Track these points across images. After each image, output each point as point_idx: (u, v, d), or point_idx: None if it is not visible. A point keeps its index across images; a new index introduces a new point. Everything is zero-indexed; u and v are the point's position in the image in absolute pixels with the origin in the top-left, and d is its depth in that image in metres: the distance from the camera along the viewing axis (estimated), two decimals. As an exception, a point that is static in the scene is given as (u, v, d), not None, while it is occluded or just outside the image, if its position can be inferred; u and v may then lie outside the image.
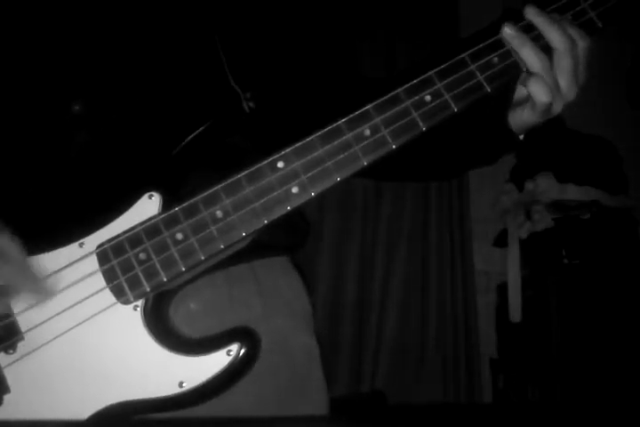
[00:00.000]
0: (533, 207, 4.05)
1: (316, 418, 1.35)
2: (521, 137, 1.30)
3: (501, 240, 4.30)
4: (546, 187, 4.00)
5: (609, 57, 3.99)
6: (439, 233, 4.41)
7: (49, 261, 1.15)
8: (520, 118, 1.25)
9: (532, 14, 1.17)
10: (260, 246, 1.33)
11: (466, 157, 1.43)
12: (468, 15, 4.39)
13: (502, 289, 4.21)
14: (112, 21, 1.33)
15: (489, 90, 1.17)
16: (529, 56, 1.17)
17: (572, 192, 3.97)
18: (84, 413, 1.10)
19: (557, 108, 1.21)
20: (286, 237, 1.43)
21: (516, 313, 4.04)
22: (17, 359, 1.13)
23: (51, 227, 1.18)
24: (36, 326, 1.13)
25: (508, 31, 1.17)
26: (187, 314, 1.26)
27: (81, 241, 1.16)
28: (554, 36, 1.16)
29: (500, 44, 1.18)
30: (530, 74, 1.18)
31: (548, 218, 4.00)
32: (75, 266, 1.15)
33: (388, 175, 1.59)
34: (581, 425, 3.02)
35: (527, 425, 3.19)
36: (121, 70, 1.31)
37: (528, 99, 1.22)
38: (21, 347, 1.13)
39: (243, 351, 1.10)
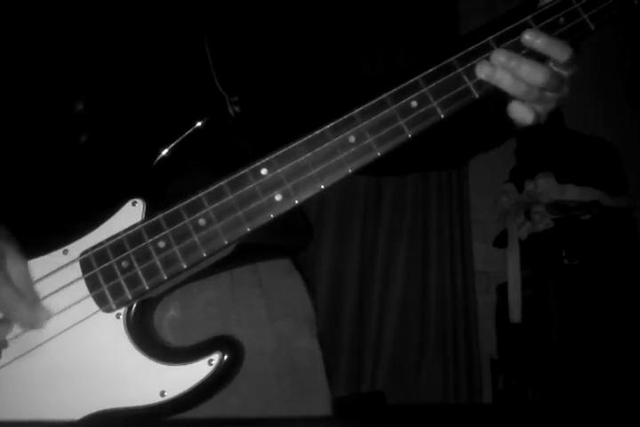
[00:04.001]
0: (533, 208, 4.05)
1: (317, 418, 1.35)
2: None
3: (501, 241, 4.30)
4: (546, 187, 4.00)
5: (609, 57, 3.99)
6: (439, 233, 4.41)
7: (35, 267, 1.14)
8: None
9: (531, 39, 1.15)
10: (264, 248, 1.34)
11: (464, 144, 1.41)
12: (467, 15, 4.38)
13: (502, 289, 4.21)
14: (108, 23, 1.33)
15: (477, 95, 1.15)
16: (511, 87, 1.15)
17: (572, 192, 3.96)
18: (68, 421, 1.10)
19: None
20: (289, 240, 1.42)
21: (515, 313, 4.03)
22: (0, 367, 1.13)
23: (38, 232, 1.18)
24: (21, 334, 1.13)
25: (482, 72, 1.14)
26: (185, 317, 1.27)
27: (65, 248, 1.15)
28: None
29: (488, 47, 1.16)
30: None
31: (547, 218, 3.99)
32: (59, 273, 1.14)
33: (387, 170, 1.57)
34: (581, 425, 3.03)
35: (527, 425, 3.19)
36: (115, 71, 1.31)
37: None
38: (5, 354, 1.13)
39: (224, 361, 1.09)
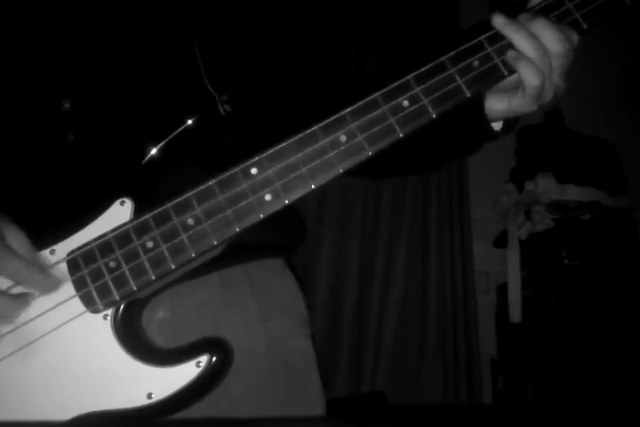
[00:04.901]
0: (533, 208, 4.04)
1: (317, 419, 1.34)
2: (499, 125, 1.28)
3: (501, 241, 4.29)
4: (546, 187, 3.99)
5: (609, 57, 3.98)
6: (439, 233, 4.41)
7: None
8: (508, 105, 1.22)
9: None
10: (255, 248, 1.33)
11: (442, 148, 1.40)
12: (467, 15, 4.38)
13: (502, 289, 4.21)
14: (96, 21, 1.32)
15: (468, 95, 1.14)
16: (522, 41, 1.13)
17: (572, 192, 3.96)
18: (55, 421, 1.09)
19: (546, 98, 1.18)
20: (281, 239, 1.41)
21: (515, 313, 4.03)
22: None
23: (26, 232, 1.17)
24: (6, 334, 1.12)
25: (498, 20, 1.14)
26: (175, 318, 1.25)
27: (52, 248, 1.14)
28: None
29: (481, 46, 1.15)
30: (521, 57, 1.14)
31: (547, 218, 3.98)
32: None
33: (366, 173, 1.57)
34: (581, 425, 3.02)
35: (527, 425, 3.18)
36: (104, 69, 1.30)
37: (516, 86, 1.18)
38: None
39: (212, 363, 1.08)
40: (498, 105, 1.23)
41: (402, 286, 4.33)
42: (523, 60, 1.13)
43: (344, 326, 4.22)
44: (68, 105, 1.27)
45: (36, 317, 1.12)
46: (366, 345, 4.23)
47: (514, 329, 4.11)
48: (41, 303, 1.12)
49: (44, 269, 1.12)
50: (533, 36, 1.13)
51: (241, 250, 1.25)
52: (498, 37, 1.15)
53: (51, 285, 1.12)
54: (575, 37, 1.14)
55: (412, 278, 4.35)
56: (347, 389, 4.12)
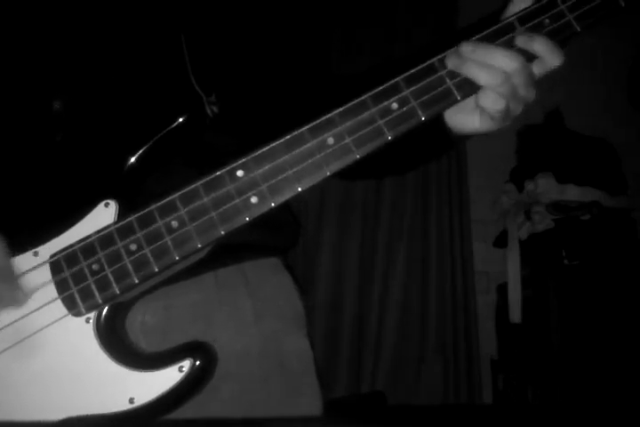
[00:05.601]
0: (533, 208, 4.03)
1: (316, 419, 1.33)
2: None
3: (501, 241, 4.28)
4: (546, 187, 3.98)
5: (610, 57, 3.97)
6: (439, 233, 4.40)
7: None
8: (478, 125, 1.18)
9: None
10: (250, 247, 1.32)
11: (405, 155, 1.38)
12: (466, 15, 4.37)
13: (502, 289, 4.20)
14: (86, 22, 1.31)
15: (459, 97, 1.12)
16: (479, 76, 1.10)
17: (572, 193, 3.95)
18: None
19: (515, 113, 1.15)
20: (276, 238, 1.40)
21: (515, 313, 4.02)
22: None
23: (9, 233, 1.16)
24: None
25: (450, 63, 1.11)
26: (167, 319, 1.24)
27: (35, 250, 1.13)
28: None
29: None
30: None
31: (547, 218, 3.98)
32: (28, 275, 1.12)
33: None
34: (581, 426, 3.01)
35: (527, 426, 3.18)
36: (93, 70, 1.29)
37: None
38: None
39: (195, 368, 1.07)
40: (467, 123, 1.19)
41: (402, 286, 4.32)
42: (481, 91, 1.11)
43: (344, 326, 4.22)
44: (58, 106, 1.27)
45: (18, 319, 1.11)
46: (366, 345, 4.23)
47: (514, 329, 4.10)
48: (23, 306, 1.11)
49: (9, 278, 1.10)
50: (487, 67, 1.09)
51: (236, 250, 1.25)
52: (489, 39, 1.13)
53: (15, 299, 1.10)
54: (546, 43, 1.11)
55: (411, 278, 4.34)
56: (347, 389, 4.12)
